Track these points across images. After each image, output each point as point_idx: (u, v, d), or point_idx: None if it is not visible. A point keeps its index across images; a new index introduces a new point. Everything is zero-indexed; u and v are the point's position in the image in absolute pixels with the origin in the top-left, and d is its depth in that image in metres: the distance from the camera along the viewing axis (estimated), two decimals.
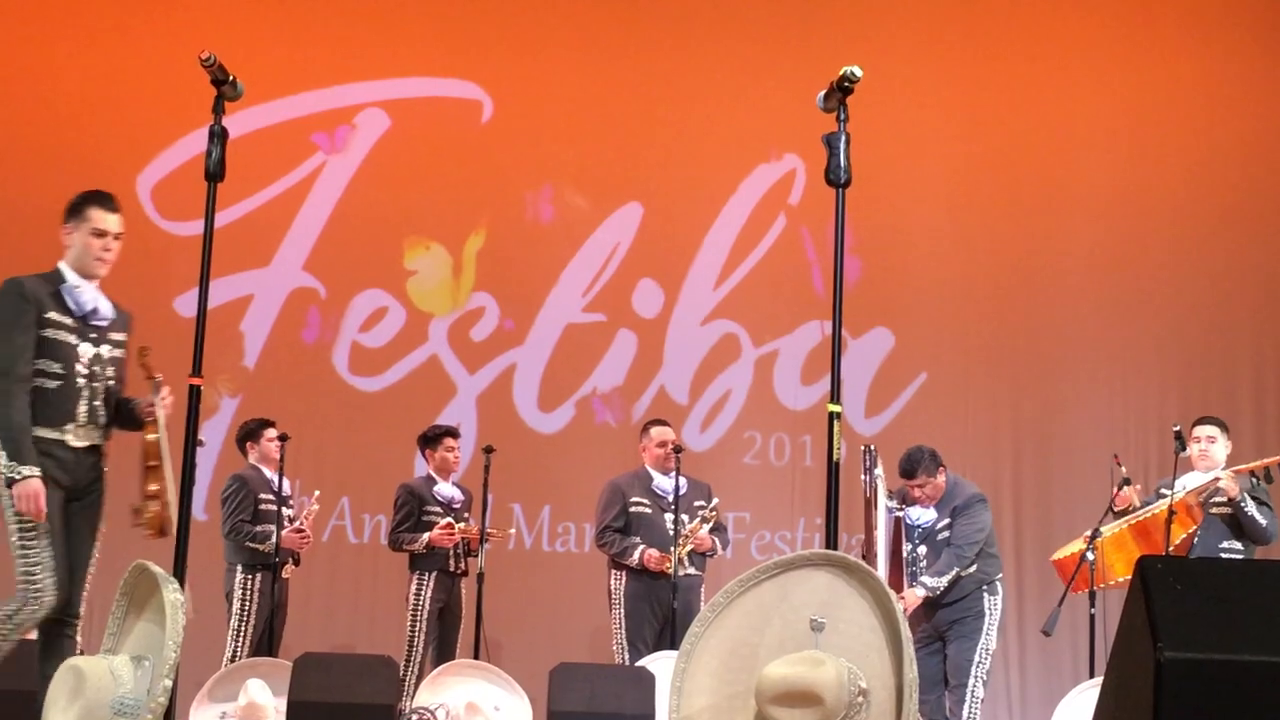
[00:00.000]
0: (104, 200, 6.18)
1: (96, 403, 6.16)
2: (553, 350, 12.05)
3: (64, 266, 6.17)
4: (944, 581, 8.52)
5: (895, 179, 11.51)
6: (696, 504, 9.41)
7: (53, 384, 6.02)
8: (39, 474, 5.81)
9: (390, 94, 12.33)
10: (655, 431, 9.70)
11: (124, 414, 6.31)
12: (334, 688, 7.97)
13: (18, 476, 5.77)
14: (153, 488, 6.20)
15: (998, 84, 12.23)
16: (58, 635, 5.86)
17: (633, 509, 9.37)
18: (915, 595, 8.54)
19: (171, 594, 3.96)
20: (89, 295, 6.16)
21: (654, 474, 9.53)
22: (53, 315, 6.06)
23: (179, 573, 4.22)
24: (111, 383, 6.26)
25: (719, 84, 11.98)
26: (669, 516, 9.29)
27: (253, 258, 11.76)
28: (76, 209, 6.19)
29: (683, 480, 9.41)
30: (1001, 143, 12.15)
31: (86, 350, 6.14)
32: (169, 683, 3.89)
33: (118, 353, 6.31)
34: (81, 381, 6.10)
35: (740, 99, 11.88)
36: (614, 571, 9.44)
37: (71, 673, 3.98)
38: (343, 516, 11.72)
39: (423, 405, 11.77)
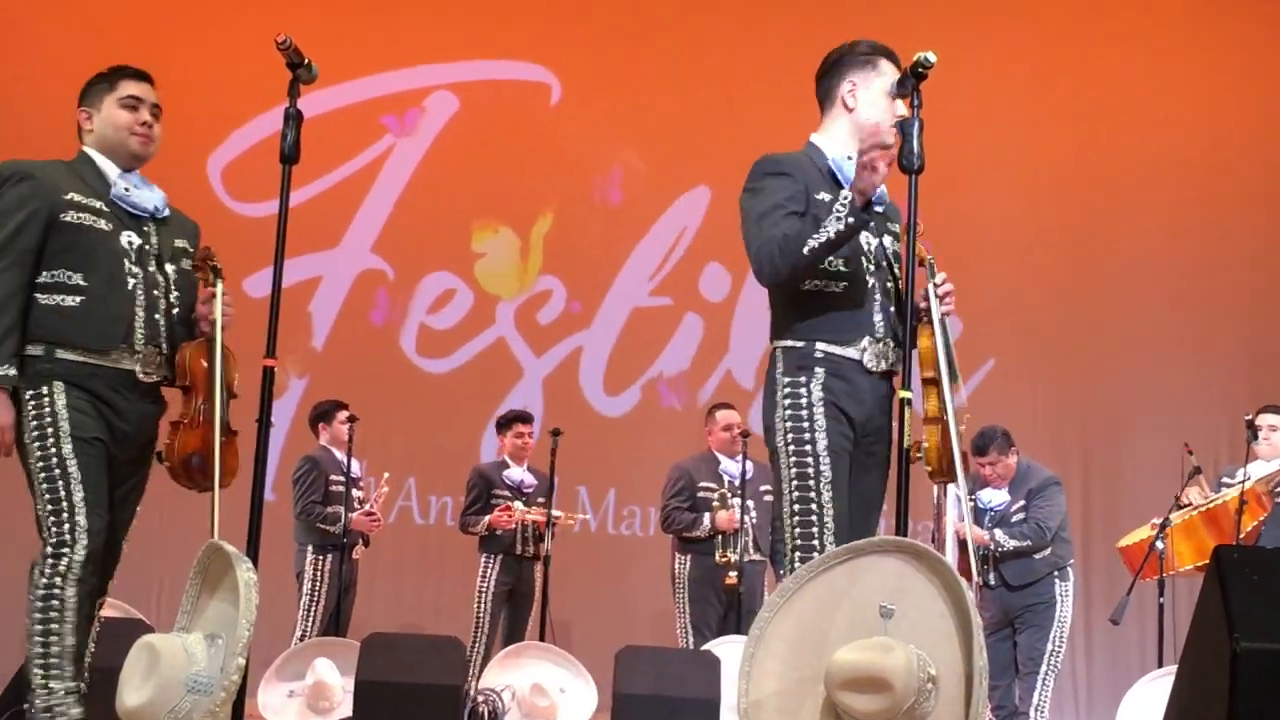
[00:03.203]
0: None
1: (891, 309, 4.77)
2: (619, 333, 12.08)
3: (819, 139, 4.97)
4: (1014, 544, 8.50)
5: (964, 164, 11.44)
6: (762, 488, 9.38)
7: (838, 286, 4.67)
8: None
9: (459, 77, 12.38)
10: (720, 415, 9.68)
11: None
12: (401, 668, 8.00)
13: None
14: (931, 407, 4.72)
15: (1067, 66, 12.13)
16: None
17: (700, 493, 9.36)
18: (982, 535, 8.51)
19: (245, 573, 3.98)
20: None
21: (720, 458, 9.52)
22: (823, 195, 4.71)
23: (252, 552, 4.25)
24: (898, 284, 4.78)
25: (788, 66, 11.86)
26: (736, 501, 9.27)
27: (322, 239, 11.84)
28: (853, 63, 4.99)
29: (749, 464, 9.39)
30: (1071, 127, 12.05)
31: (869, 240, 4.79)
32: (242, 660, 3.91)
33: (896, 246, 4.90)
34: (872, 281, 4.73)
35: (810, 81, 11.78)
36: (678, 555, 9.43)
37: (146, 650, 4.01)
38: (409, 498, 11.79)
39: (489, 387, 11.83)
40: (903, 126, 4.57)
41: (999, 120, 11.98)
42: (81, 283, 4.80)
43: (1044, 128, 12.04)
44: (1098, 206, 11.98)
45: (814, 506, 4.53)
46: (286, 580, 9.45)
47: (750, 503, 9.28)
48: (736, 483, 9.34)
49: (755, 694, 4.04)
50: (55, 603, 4.59)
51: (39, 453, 4.69)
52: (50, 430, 4.69)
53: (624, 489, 11.70)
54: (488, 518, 9.52)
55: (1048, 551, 8.59)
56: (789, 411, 4.59)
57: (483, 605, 9.52)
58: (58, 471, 4.67)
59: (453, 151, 12.28)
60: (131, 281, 4.91)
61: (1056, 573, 8.61)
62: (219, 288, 4.97)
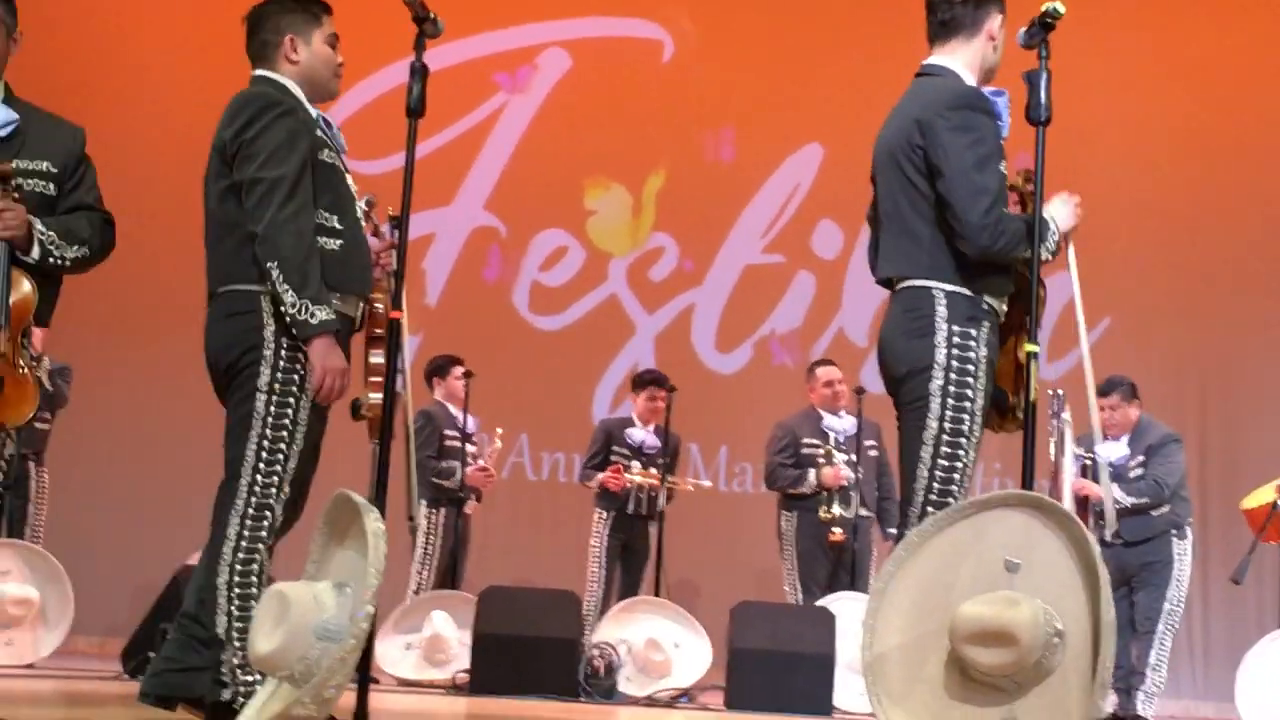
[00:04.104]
0: None
1: None
2: (731, 291, 12.07)
3: (957, 67, 4.79)
4: (1132, 500, 8.48)
5: (1082, 118, 11.28)
6: (867, 443, 9.37)
7: None
8: None
9: (572, 34, 12.39)
10: (821, 371, 9.66)
11: None
12: (518, 621, 8.09)
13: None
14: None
15: (1195, 22, 11.92)
16: None
17: (804, 449, 9.35)
18: (1098, 489, 8.46)
19: (373, 523, 4.01)
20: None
21: (823, 414, 9.49)
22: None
23: (379, 503, 4.29)
24: None
25: (902, 21, 11.80)
26: (839, 456, 9.26)
27: (435, 196, 11.91)
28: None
29: (852, 420, 9.39)
30: (1192, 84, 11.86)
31: None
32: (371, 609, 3.94)
33: None
34: None
35: (924, 36, 11.69)
36: (784, 513, 9.44)
37: (276, 598, 4.05)
38: (521, 454, 11.87)
39: (601, 344, 11.88)
40: (1030, 77, 4.50)
41: (1119, 76, 11.81)
42: (338, 225, 4.67)
43: (1165, 85, 11.85)
44: (1216, 163, 11.78)
45: (960, 464, 4.45)
46: (401, 534, 9.53)
47: (855, 457, 9.27)
48: (840, 439, 9.34)
49: (879, 647, 4.04)
50: (255, 566, 4.52)
51: (275, 408, 4.54)
52: (295, 390, 4.56)
53: (735, 446, 11.70)
54: (600, 476, 9.57)
55: (1166, 509, 8.55)
56: (955, 363, 4.45)
57: (597, 560, 9.58)
58: (285, 434, 4.56)
59: (565, 109, 12.30)
60: (364, 225, 4.85)
61: (1175, 531, 8.56)
62: (396, 238, 4.92)
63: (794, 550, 9.34)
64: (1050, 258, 4.57)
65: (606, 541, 9.60)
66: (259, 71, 4.83)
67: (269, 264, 4.46)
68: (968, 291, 4.51)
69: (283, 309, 4.48)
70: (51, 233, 4.56)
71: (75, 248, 4.64)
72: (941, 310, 4.49)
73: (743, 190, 12.14)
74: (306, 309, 4.46)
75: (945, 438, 4.45)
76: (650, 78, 12.22)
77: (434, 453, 9.56)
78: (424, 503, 9.55)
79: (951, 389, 4.45)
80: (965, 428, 4.46)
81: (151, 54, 12.24)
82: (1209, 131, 11.81)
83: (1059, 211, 4.65)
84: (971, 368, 4.45)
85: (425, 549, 9.57)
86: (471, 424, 9.77)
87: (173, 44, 12.21)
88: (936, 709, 3.94)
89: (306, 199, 4.56)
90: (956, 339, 4.46)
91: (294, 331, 4.50)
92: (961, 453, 4.45)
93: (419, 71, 4.45)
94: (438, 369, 9.93)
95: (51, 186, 4.67)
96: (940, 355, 4.45)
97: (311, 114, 4.79)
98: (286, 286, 4.46)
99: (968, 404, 4.45)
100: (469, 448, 9.67)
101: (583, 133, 12.13)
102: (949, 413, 4.44)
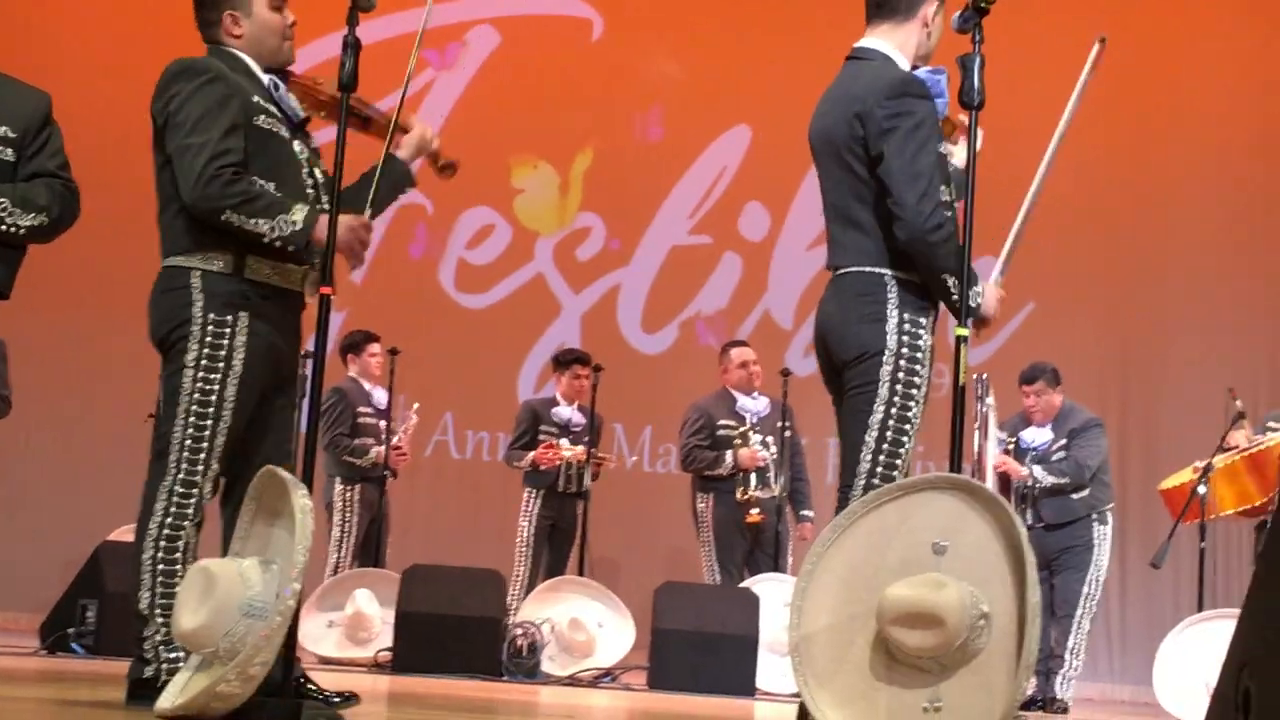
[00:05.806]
0: None
1: None
2: (658, 271, 12.09)
3: (894, 53, 4.80)
4: (1052, 480, 8.56)
5: (1002, 102, 11.31)
6: (780, 425, 9.39)
7: None
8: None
9: (501, 11, 12.36)
10: (735, 352, 9.67)
11: None
12: (441, 600, 8.07)
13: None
14: None
15: (1125, 13, 11.99)
16: None
17: (720, 431, 9.34)
18: (1020, 469, 8.56)
19: (300, 499, 3.98)
20: None
21: (737, 395, 9.50)
22: None
23: (306, 479, 4.25)
24: None
25: (833, 3, 11.84)
26: (754, 437, 9.26)
27: (362, 172, 11.80)
28: None
29: (765, 401, 9.41)
30: (1115, 66, 11.88)
31: None
32: (298, 586, 3.91)
33: None
34: None
35: (853, 20, 11.70)
36: (700, 494, 9.43)
37: (201, 574, 4.01)
38: (446, 432, 11.83)
39: (527, 323, 11.85)
40: (964, 62, 4.52)
41: (1039, 59, 11.86)
42: (275, 193, 4.53)
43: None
44: (1140, 147, 11.89)
45: (903, 449, 4.51)
46: (318, 511, 9.49)
47: (770, 439, 9.29)
48: (754, 420, 9.36)
49: (806, 628, 4.04)
50: (179, 544, 4.44)
51: (201, 385, 4.46)
52: (221, 367, 4.48)
53: (660, 427, 11.71)
54: (532, 454, 9.54)
55: (1086, 492, 8.64)
56: (905, 350, 4.49)
57: (524, 539, 9.57)
58: (212, 410, 4.47)
59: (493, 86, 12.25)
60: (311, 194, 4.71)
61: (1095, 515, 8.65)
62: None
63: (710, 532, 9.34)
64: (959, 305, 4.50)
65: (536, 521, 9.60)
66: (209, 46, 4.76)
67: (229, 220, 4.41)
68: (915, 278, 4.54)
69: (272, 241, 4.45)
70: (4, 199, 4.50)
71: (31, 215, 4.58)
72: (893, 297, 4.52)
73: (670, 171, 12.14)
74: (282, 227, 4.44)
75: (892, 423, 4.50)
76: (579, 57, 12.20)
77: (347, 430, 9.51)
78: (339, 479, 9.51)
79: (901, 375, 4.49)
80: (911, 414, 4.51)
81: (91, 25, 12.10)
82: (1131, 122, 11.89)
83: (990, 294, 4.74)
84: (920, 355, 4.51)
85: (343, 527, 9.54)
86: (385, 399, 9.68)
87: (113, 15, 12.08)
88: (863, 690, 3.95)
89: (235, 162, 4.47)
90: (907, 326, 4.50)
91: (293, 247, 4.47)
92: (905, 439, 4.51)
93: (352, 46, 4.39)
94: (352, 345, 9.87)
95: (10, 152, 4.63)
96: (892, 341, 4.49)
97: (261, 80, 4.71)
98: (256, 221, 4.42)
99: (915, 391, 4.51)
100: (384, 424, 9.59)
101: (511, 111, 12.09)
102: (897, 399, 4.49)
